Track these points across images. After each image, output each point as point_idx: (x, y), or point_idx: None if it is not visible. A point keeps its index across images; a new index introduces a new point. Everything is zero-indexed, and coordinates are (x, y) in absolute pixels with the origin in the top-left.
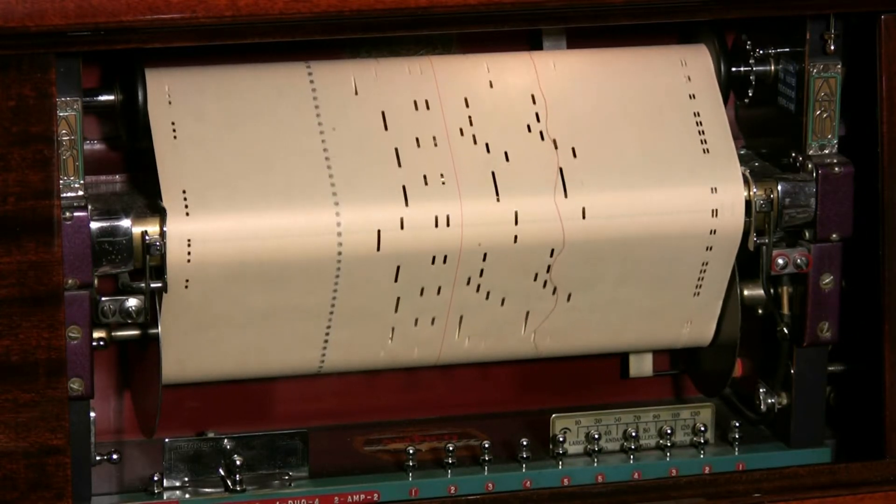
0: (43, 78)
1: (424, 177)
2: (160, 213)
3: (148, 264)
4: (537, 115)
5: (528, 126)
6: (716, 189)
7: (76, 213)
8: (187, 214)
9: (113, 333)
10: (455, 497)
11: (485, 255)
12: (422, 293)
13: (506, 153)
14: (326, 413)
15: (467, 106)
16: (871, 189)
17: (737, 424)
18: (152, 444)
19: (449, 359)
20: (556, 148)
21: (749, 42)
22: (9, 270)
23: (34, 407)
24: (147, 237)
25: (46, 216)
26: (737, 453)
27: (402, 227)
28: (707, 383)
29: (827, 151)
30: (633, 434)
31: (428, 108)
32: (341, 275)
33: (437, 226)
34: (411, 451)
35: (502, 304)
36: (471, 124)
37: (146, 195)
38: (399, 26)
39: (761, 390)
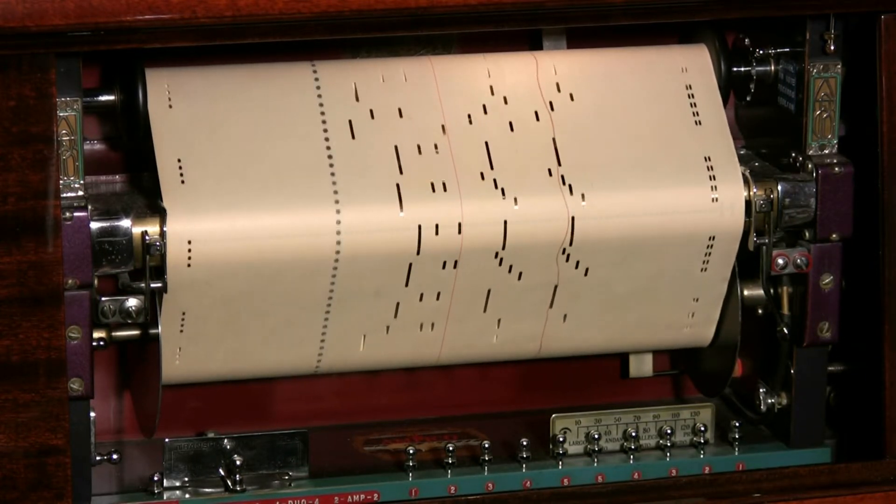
0: (43, 78)
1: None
2: (160, 213)
3: (148, 264)
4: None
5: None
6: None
7: (76, 213)
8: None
9: (113, 333)
10: (455, 497)
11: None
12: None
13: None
14: (326, 413)
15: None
16: (871, 189)
17: (737, 424)
18: (152, 444)
19: (449, 359)
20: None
21: (749, 42)
22: (9, 270)
23: (34, 407)
24: (147, 237)
25: (46, 216)
26: (737, 453)
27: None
28: (707, 383)
29: (827, 151)
30: (633, 434)
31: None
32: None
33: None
34: (411, 451)
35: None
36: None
37: (146, 195)
38: (399, 26)
39: (761, 390)
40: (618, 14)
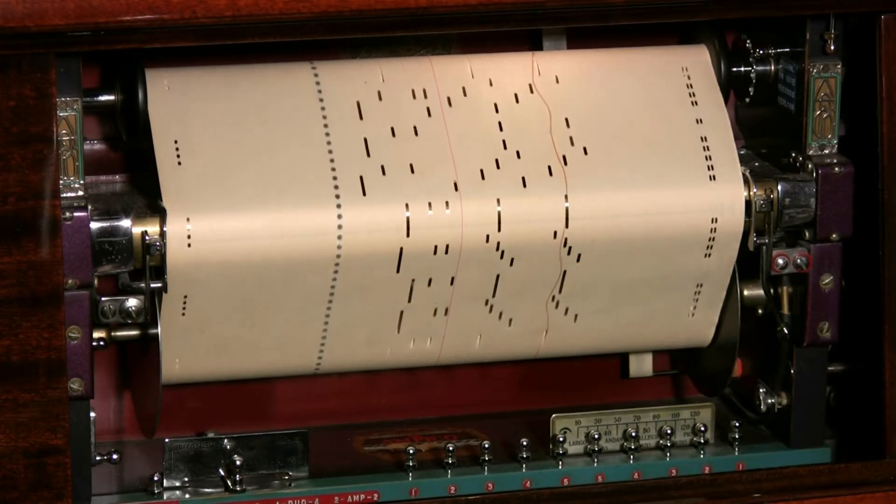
0: (43, 78)
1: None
2: (160, 213)
3: (148, 264)
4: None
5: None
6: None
7: (76, 213)
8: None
9: (113, 333)
10: (455, 497)
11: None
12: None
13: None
14: (326, 413)
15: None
16: (871, 189)
17: (737, 424)
18: (152, 444)
19: (449, 359)
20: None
21: (749, 42)
22: (9, 270)
23: (34, 407)
24: (147, 237)
25: (46, 216)
26: (737, 453)
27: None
28: (707, 383)
29: (827, 151)
30: (633, 434)
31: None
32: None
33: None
34: (411, 451)
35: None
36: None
37: (146, 195)
38: (399, 26)
39: (761, 390)
40: (618, 14)
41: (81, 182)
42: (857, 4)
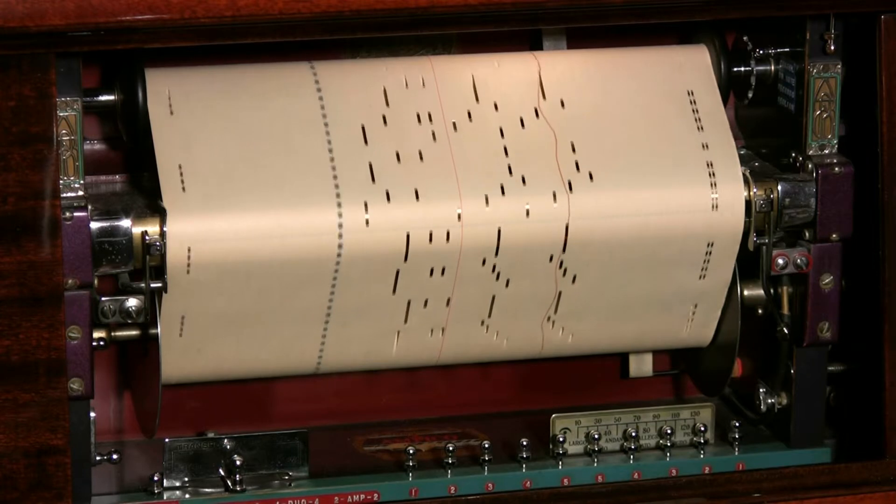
0: (43, 78)
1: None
2: (160, 213)
3: (148, 264)
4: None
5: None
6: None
7: (76, 213)
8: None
9: (113, 333)
10: (455, 497)
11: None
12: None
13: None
14: (326, 413)
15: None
16: (871, 189)
17: (737, 424)
18: (152, 444)
19: (449, 359)
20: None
21: (749, 42)
22: (9, 270)
23: (34, 407)
24: (147, 237)
25: (46, 216)
26: (737, 453)
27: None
28: (707, 383)
29: (827, 151)
30: (633, 434)
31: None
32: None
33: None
34: (411, 451)
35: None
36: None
37: (146, 195)
38: (399, 26)
39: (761, 390)
40: (617, 14)
41: (81, 182)
42: (857, 4)
